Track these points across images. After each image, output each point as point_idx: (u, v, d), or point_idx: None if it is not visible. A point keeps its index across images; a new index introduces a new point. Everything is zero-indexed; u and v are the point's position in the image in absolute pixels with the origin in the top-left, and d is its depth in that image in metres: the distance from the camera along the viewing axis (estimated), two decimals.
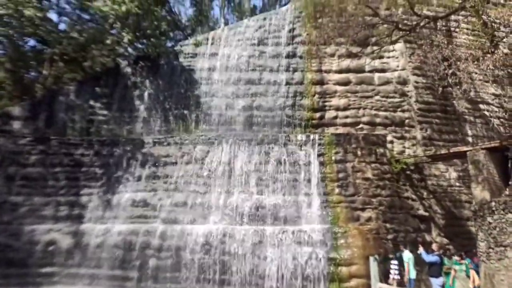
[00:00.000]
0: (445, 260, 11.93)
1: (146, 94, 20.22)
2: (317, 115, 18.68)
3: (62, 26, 21.72)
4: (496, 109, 18.47)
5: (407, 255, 12.39)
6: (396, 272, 12.15)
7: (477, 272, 11.66)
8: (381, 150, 16.42)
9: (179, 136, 17.82)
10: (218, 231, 14.51)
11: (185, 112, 19.80)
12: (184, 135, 18.09)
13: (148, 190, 16.58)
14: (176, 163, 17.02)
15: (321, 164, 15.92)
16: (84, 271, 14.47)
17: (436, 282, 11.45)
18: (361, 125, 18.11)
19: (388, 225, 14.85)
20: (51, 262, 14.66)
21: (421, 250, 12.53)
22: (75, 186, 16.40)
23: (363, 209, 14.97)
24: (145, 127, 19.51)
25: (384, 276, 12.28)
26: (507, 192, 12.08)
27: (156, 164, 17.00)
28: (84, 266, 14.57)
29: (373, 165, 15.84)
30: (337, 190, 15.40)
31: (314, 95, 18.94)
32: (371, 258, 11.83)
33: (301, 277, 13.01)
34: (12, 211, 15.39)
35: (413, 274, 11.98)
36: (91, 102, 19.48)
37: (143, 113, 19.82)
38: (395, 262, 12.34)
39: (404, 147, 17.43)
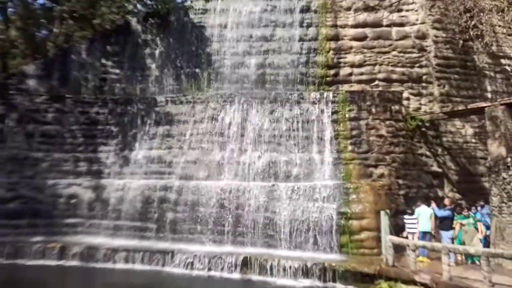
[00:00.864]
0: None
1: (157, 52, 20.04)
2: (332, 72, 18.30)
3: None
4: None
5: (425, 210, 12.49)
6: (413, 226, 12.32)
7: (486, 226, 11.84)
8: (396, 107, 16.14)
9: (192, 95, 17.83)
10: (232, 187, 14.84)
11: (197, 70, 19.64)
12: (196, 93, 18.09)
13: (163, 148, 16.92)
14: (189, 121, 17.17)
15: (335, 121, 15.81)
16: (106, 223, 15.24)
17: (446, 235, 11.66)
18: (376, 82, 17.72)
19: (400, 181, 14.93)
20: (75, 213, 15.46)
21: (433, 205, 12.65)
22: (92, 144, 16.87)
23: (376, 166, 15.00)
24: (158, 86, 19.53)
25: (399, 230, 12.52)
26: None
27: (170, 123, 17.20)
28: (106, 218, 15.32)
29: (387, 122, 15.65)
30: (350, 148, 15.38)
31: (328, 52, 18.45)
32: (382, 212, 12.01)
33: (313, 230, 13.35)
34: (34, 166, 16.04)
35: (430, 227, 12.14)
36: (103, 61, 19.50)
37: (155, 71, 19.77)
38: (411, 216, 12.48)
39: (420, 104, 17.10)
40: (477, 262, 10.48)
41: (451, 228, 11.74)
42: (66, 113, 17.09)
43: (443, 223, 11.86)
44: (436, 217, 12.18)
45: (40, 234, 14.47)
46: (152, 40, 20.14)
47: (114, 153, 16.92)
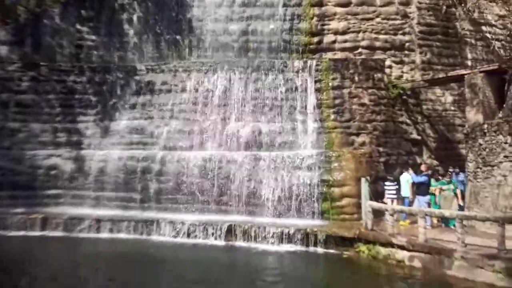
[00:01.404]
0: (432, 181, 12.44)
1: (135, 17, 19.20)
2: (315, 39, 18.02)
3: None
4: (499, 31, 17.91)
5: (405, 177, 12.97)
6: (393, 192, 12.78)
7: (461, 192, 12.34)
8: (379, 75, 16.21)
9: (173, 63, 17.39)
10: (216, 157, 14.87)
11: (178, 37, 19.04)
12: (178, 62, 17.64)
13: (144, 118, 16.67)
14: (171, 90, 16.85)
15: (318, 90, 15.82)
16: (89, 193, 15.14)
17: (423, 199, 12.12)
18: (360, 50, 17.59)
19: (381, 149, 15.24)
20: (56, 185, 15.26)
21: (410, 172, 13.07)
22: (70, 114, 16.45)
23: (357, 134, 15.22)
24: (137, 53, 18.89)
25: (378, 196, 12.94)
26: (500, 115, 12.26)
27: (151, 92, 16.84)
28: (88, 189, 15.21)
29: (370, 90, 15.74)
30: (332, 116, 15.51)
31: (312, 18, 18.07)
32: (363, 179, 12.32)
33: (296, 198, 13.64)
34: (10, 137, 15.63)
35: (409, 193, 12.67)
36: (78, 26, 18.63)
37: (133, 38, 19.05)
38: (391, 183, 12.90)
39: (402, 72, 17.18)
40: (453, 227, 11.00)
41: (427, 193, 12.19)
42: (42, 82, 16.47)
43: (420, 189, 12.30)
44: (413, 183, 12.64)
45: (21, 206, 14.27)
46: (129, 4, 19.24)
47: (94, 123, 16.56)
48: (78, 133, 16.33)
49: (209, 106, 16.31)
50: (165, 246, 11.64)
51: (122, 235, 12.75)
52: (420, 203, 11.99)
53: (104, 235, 12.78)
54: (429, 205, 11.98)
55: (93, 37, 18.68)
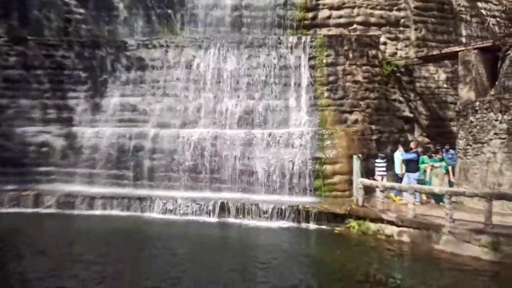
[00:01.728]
0: (424, 158, 12.57)
1: None
2: (310, 15, 17.69)
3: None
4: (495, 7, 17.72)
5: (397, 154, 13.15)
6: (383, 169, 12.95)
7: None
8: (373, 52, 16.05)
9: (164, 38, 17.02)
10: (209, 135, 14.83)
11: (169, 11, 18.57)
12: (169, 37, 17.25)
13: (136, 95, 16.47)
14: (163, 67, 16.59)
15: (312, 67, 15.67)
16: (81, 171, 15.07)
17: (413, 176, 12.28)
18: (354, 26, 17.33)
19: (373, 127, 15.28)
20: (47, 162, 15.16)
21: (400, 149, 13.17)
22: (60, 90, 16.16)
23: (350, 112, 15.20)
24: (127, 28, 18.43)
25: (370, 174, 13.09)
26: (492, 92, 12.29)
27: (142, 68, 16.57)
28: (80, 166, 15.12)
29: (364, 67, 15.62)
30: (326, 94, 15.43)
31: None
32: (355, 157, 12.41)
33: (288, 175, 13.74)
34: None
35: (400, 170, 12.87)
36: None
37: (123, 12, 18.53)
38: (381, 160, 13.05)
39: (396, 48, 17.02)
40: (441, 204, 11.21)
41: (416, 170, 12.35)
42: (30, 57, 16.06)
43: (409, 166, 12.44)
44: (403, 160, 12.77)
45: (13, 183, 14.17)
46: None
47: (84, 99, 16.31)
48: (68, 110, 16.09)
49: (202, 83, 16.14)
50: (158, 223, 11.74)
51: (115, 212, 12.79)
52: (410, 180, 12.15)
53: (97, 212, 12.82)
54: (418, 181, 12.15)
55: (81, 10, 18.15)
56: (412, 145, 13.20)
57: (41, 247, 8.48)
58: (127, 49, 16.71)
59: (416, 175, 12.25)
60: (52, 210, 12.89)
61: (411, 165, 12.37)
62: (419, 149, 13.26)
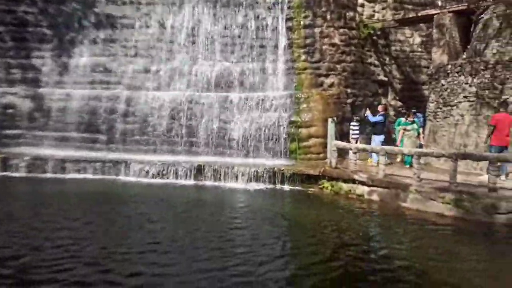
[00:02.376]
0: (402, 120, 12.81)
1: None
2: None
3: None
4: None
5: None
6: (356, 132, 13.21)
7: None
8: (351, 13, 15.88)
9: None
10: (184, 98, 14.55)
11: None
12: None
13: (107, 55, 15.79)
14: (134, 26, 15.87)
15: (289, 29, 15.39)
16: (50, 134, 14.60)
17: (378, 138, 12.58)
18: None
19: (349, 90, 15.42)
20: (14, 124, 14.58)
21: (367, 112, 13.34)
22: (24, 48, 15.26)
23: (327, 75, 15.21)
24: None
25: (344, 137, 13.33)
26: (464, 56, 12.53)
27: (112, 26, 15.78)
28: (50, 129, 14.64)
29: (341, 30, 15.49)
30: (303, 57, 15.30)
31: None
32: (330, 120, 12.57)
33: (264, 138, 13.81)
34: None
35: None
36: None
37: None
38: (355, 123, 13.27)
39: (374, 11, 16.85)
40: (408, 166, 11.64)
41: (382, 132, 12.67)
42: None
43: (375, 128, 12.73)
44: (369, 122, 13.03)
45: None
46: None
47: (51, 59, 15.49)
48: (34, 70, 15.28)
49: (176, 44, 15.62)
50: (134, 186, 11.65)
51: (89, 176, 12.58)
52: (376, 142, 12.46)
53: (71, 175, 12.56)
54: (382, 144, 12.42)
55: None
56: (379, 108, 13.44)
57: (8, 210, 8.28)
58: (95, 5, 15.79)
59: (381, 137, 12.54)
60: (22, 174, 12.53)
61: (377, 128, 12.64)
62: (389, 112, 13.52)
